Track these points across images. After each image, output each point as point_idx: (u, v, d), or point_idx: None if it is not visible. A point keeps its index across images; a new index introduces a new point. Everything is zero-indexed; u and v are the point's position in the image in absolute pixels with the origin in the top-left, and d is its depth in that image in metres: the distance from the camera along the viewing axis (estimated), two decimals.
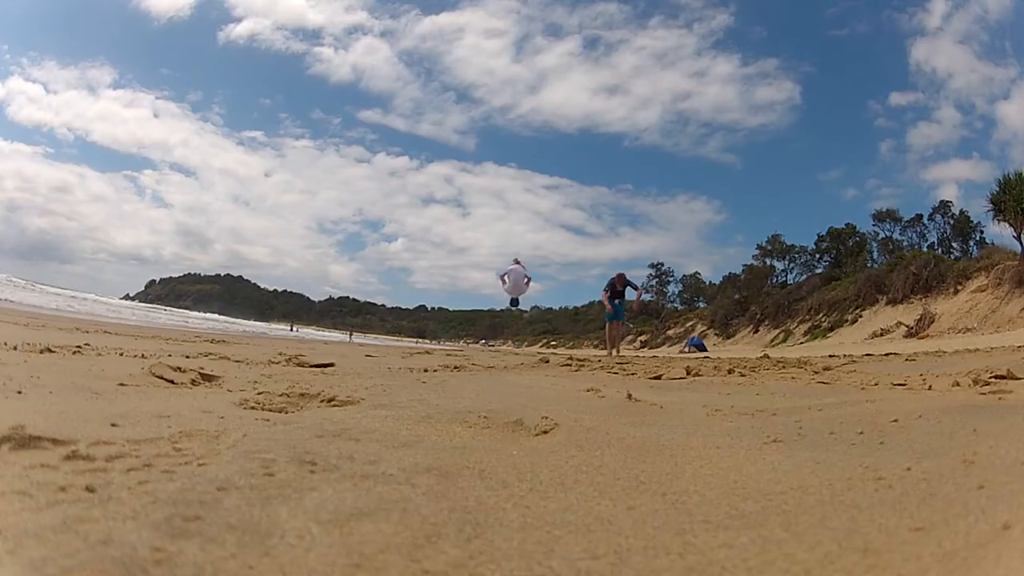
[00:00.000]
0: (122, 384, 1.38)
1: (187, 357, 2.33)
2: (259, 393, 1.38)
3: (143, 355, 2.22)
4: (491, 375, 2.53)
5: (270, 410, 1.21)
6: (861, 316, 21.79)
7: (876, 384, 1.90)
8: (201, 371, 1.68)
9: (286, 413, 1.19)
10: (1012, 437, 0.89)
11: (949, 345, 7.75)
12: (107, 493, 0.58)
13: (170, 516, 0.53)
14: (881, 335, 17.61)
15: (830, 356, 5.70)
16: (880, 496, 0.66)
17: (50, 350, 1.99)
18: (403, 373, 2.40)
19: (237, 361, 2.36)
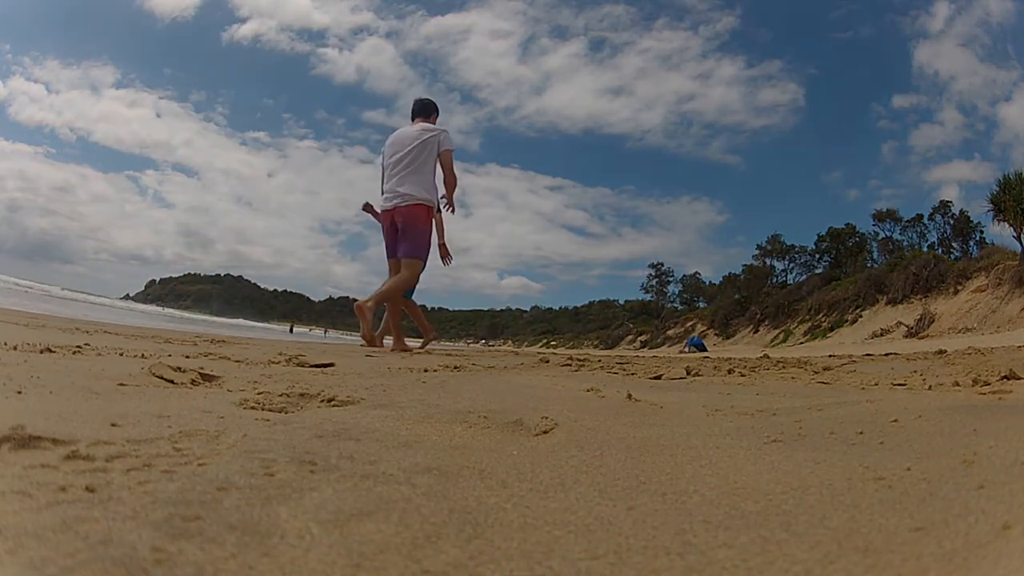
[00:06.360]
0: (122, 384, 1.38)
1: (187, 357, 2.33)
2: (259, 393, 1.38)
3: (143, 355, 2.22)
4: (491, 375, 2.53)
5: (270, 410, 1.21)
6: (861, 316, 21.81)
7: (876, 384, 1.90)
8: (201, 371, 1.68)
9: (286, 413, 1.19)
10: (1012, 437, 0.89)
11: (949, 345, 7.73)
12: (107, 493, 0.58)
13: (170, 516, 0.53)
14: (881, 335, 17.61)
15: (830, 356, 5.70)
16: (880, 496, 0.66)
17: (50, 350, 1.99)
18: (403, 373, 2.40)
19: (237, 361, 2.36)
